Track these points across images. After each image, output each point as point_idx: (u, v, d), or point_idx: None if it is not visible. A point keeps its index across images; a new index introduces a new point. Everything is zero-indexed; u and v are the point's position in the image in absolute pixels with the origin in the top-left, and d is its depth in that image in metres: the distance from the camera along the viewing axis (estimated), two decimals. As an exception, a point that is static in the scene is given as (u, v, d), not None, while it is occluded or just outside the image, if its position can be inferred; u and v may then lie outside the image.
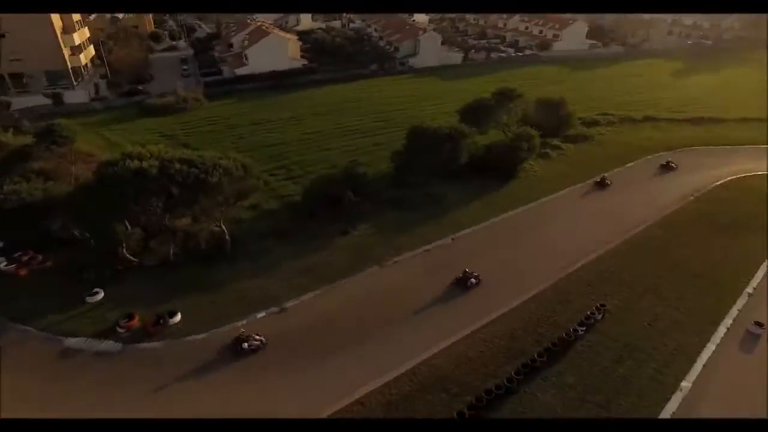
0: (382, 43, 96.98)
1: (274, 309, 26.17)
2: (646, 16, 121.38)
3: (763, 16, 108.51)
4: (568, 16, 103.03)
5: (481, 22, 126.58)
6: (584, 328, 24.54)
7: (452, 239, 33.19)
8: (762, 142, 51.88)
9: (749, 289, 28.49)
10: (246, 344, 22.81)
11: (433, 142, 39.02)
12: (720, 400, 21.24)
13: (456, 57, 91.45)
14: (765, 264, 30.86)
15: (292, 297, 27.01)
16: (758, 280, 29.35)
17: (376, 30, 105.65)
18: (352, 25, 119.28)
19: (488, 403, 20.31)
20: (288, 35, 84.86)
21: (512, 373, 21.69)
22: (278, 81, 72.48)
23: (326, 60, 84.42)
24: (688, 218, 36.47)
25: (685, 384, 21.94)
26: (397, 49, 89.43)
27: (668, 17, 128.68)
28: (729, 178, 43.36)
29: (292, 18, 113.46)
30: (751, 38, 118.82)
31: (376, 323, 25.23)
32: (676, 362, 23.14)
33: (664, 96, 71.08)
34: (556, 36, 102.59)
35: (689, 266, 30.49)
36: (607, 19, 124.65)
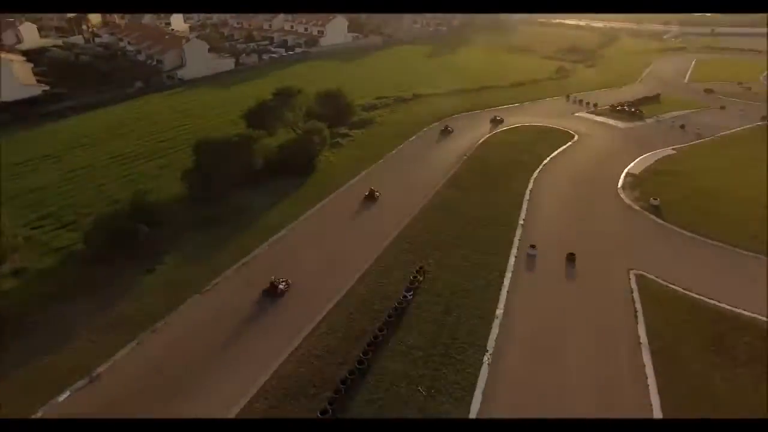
0: (141, 57, 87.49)
1: (81, 383, 21.54)
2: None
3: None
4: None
5: (246, 25, 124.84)
6: (411, 293, 26.72)
7: (268, 245, 32.24)
8: (510, 102, 64.11)
9: (521, 221, 34.87)
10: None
11: (223, 152, 37.21)
12: (526, 315, 25.54)
13: (227, 63, 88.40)
14: (526, 197, 38.21)
15: (103, 360, 22.65)
16: (524, 213, 36.12)
17: (130, 43, 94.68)
18: (99, 39, 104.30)
19: (346, 392, 20.54)
20: (11, 56, 69.40)
21: (361, 355, 22.36)
22: (15, 113, 59.14)
23: (75, 82, 71.85)
24: (466, 174, 42.64)
25: (499, 311, 25.77)
26: (160, 62, 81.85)
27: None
28: (485, 137, 52.17)
29: (8, 34, 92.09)
30: (473, 23, 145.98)
31: (212, 355, 23.02)
32: (488, 295, 26.93)
33: (423, 75, 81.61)
34: (320, 32, 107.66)
35: (476, 214, 35.63)
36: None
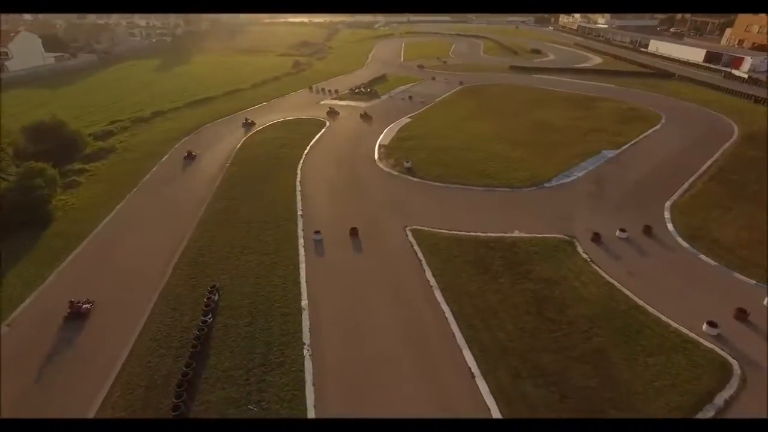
0: None
1: None
2: (101, 21, 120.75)
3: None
4: (8, 28, 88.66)
5: None
6: (210, 315, 24.70)
7: (7, 326, 25.21)
8: (258, 102, 63.46)
9: (299, 212, 35.60)
10: None
11: None
12: (330, 298, 26.40)
13: None
14: (298, 189, 39.15)
15: None
16: (300, 204, 36.99)
17: None
18: None
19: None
20: None
21: (174, 401, 19.70)
22: None
23: None
24: (232, 181, 41.10)
25: (304, 302, 26.00)
26: None
27: (122, 19, 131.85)
28: (243, 140, 51.18)
29: None
30: (198, 30, 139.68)
31: None
32: (289, 291, 26.80)
33: (159, 90, 74.78)
34: (4, 54, 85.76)
35: (254, 218, 34.86)
36: (61, 28, 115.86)
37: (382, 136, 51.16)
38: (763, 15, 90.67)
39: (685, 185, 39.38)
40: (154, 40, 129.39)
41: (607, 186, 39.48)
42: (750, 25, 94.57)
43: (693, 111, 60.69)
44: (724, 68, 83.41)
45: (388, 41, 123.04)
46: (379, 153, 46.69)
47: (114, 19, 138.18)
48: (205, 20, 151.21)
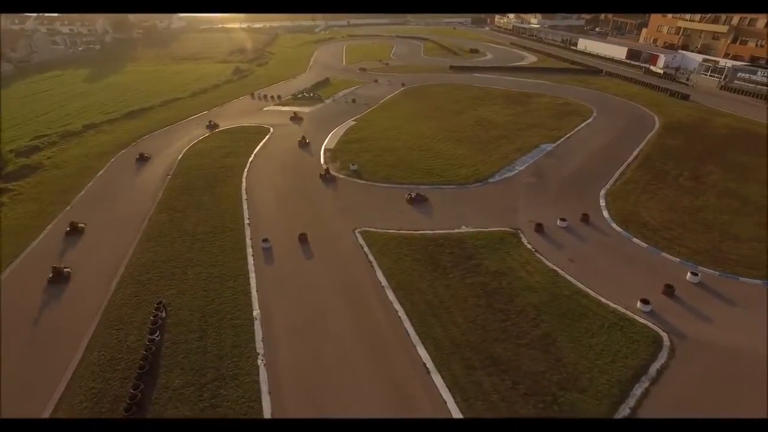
0: None
1: None
2: (16, 27, 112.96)
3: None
4: None
5: None
6: (157, 333, 23.73)
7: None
8: (198, 111, 61.48)
9: (246, 221, 34.88)
10: None
11: None
12: (281, 305, 26.07)
13: None
14: (244, 197, 38.36)
15: None
16: (247, 212, 36.29)
17: None
18: None
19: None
20: None
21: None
22: None
23: None
24: (176, 193, 39.64)
25: (255, 311, 25.52)
26: None
27: (41, 25, 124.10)
28: (184, 150, 49.44)
29: None
30: (130, 39, 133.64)
31: None
32: (240, 301, 26.22)
33: (90, 102, 70.78)
34: None
35: (200, 229, 33.85)
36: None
37: (327, 140, 51.04)
38: (670, 17, 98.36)
39: (617, 173, 42.02)
40: (80, 49, 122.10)
41: (547, 178, 41.42)
42: (661, 26, 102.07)
43: (620, 104, 64.76)
44: (643, 64, 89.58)
45: (329, 45, 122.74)
46: (324, 157, 46.53)
47: (30, 24, 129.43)
48: (137, 27, 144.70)
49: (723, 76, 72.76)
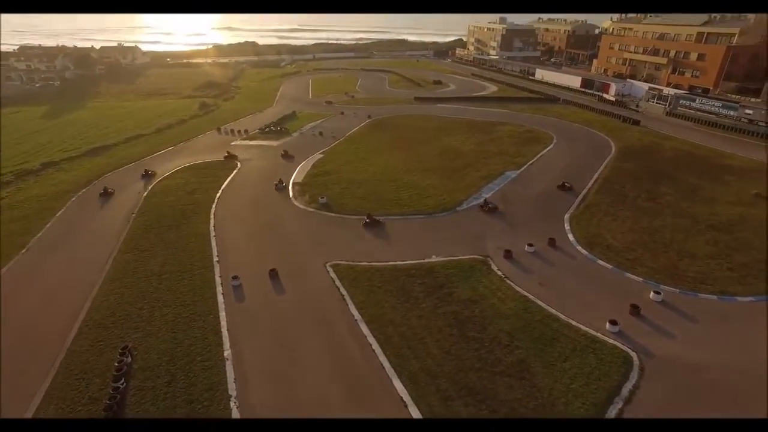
0: None
1: None
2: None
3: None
4: None
5: None
6: (122, 380, 22.69)
7: None
8: (163, 147, 60.60)
9: (215, 258, 34.26)
10: None
11: None
12: (253, 344, 25.47)
13: None
14: (213, 234, 37.74)
15: None
16: (215, 249, 35.70)
17: None
18: None
19: None
20: None
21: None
22: None
23: None
24: (140, 232, 38.59)
25: (227, 352, 24.82)
26: None
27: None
28: (150, 187, 48.44)
29: None
30: (93, 75, 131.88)
31: None
32: (210, 342, 25.49)
33: (48, 139, 68.83)
34: None
35: (166, 269, 32.98)
36: None
37: (296, 173, 51.08)
38: (617, 49, 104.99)
39: (579, 197, 43.64)
40: (37, 85, 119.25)
41: (514, 204, 42.56)
42: (610, 57, 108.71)
43: (577, 130, 67.77)
44: (597, 92, 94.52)
45: (295, 78, 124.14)
46: (293, 190, 46.46)
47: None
48: (100, 63, 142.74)
49: (668, 103, 77.49)
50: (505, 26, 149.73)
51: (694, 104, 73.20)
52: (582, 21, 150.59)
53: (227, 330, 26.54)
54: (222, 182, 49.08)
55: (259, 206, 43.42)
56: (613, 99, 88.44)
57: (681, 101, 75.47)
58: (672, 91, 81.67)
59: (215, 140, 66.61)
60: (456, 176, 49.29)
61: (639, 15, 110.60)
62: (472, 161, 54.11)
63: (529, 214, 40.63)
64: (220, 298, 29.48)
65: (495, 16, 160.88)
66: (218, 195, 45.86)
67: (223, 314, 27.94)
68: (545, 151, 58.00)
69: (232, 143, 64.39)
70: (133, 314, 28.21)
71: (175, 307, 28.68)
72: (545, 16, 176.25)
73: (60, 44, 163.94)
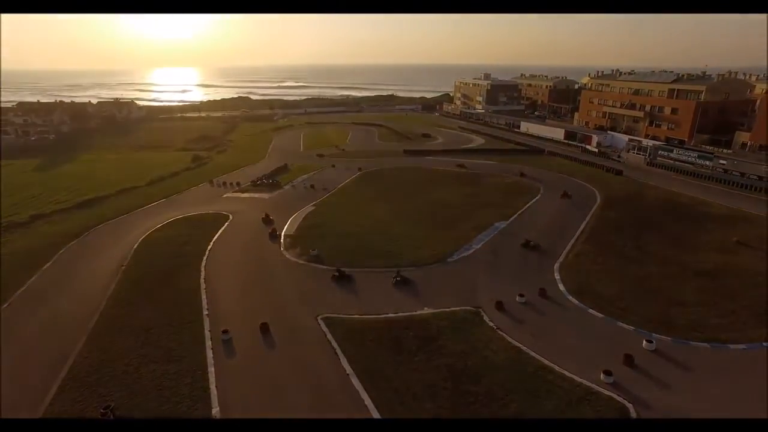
0: None
1: None
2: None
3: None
4: None
5: None
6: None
7: None
8: (155, 199, 60.98)
9: (205, 312, 33.80)
10: None
11: None
12: (243, 401, 24.75)
13: None
14: (203, 287, 37.40)
15: None
16: (206, 303, 35.30)
17: None
18: None
19: None
20: None
21: None
22: None
23: None
24: (128, 286, 38.13)
25: (215, 410, 24.06)
26: None
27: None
28: (140, 240, 48.33)
29: None
30: (87, 128, 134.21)
31: None
32: (197, 398, 24.76)
33: (40, 191, 68.96)
34: None
35: (155, 323, 32.40)
36: None
37: (287, 226, 51.39)
38: (596, 104, 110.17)
39: (568, 247, 44.29)
40: (33, 138, 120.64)
41: (504, 255, 43.00)
42: (590, 110, 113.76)
43: (563, 180, 69.62)
44: (580, 144, 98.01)
45: (287, 132, 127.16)
46: (284, 243, 46.58)
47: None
48: (96, 117, 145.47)
49: (648, 154, 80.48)
50: (490, 82, 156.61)
51: (672, 155, 76.12)
52: (562, 77, 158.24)
53: (216, 387, 25.85)
54: (214, 234, 49.10)
55: (250, 259, 43.33)
56: (596, 150, 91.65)
57: (660, 152, 78.44)
58: (651, 142, 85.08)
59: (208, 192, 67.27)
60: (447, 227, 49.91)
61: (614, 71, 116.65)
62: (461, 213, 54.94)
63: (520, 265, 41.03)
64: (209, 354, 28.86)
65: (480, 73, 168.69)
66: (209, 247, 45.80)
67: (212, 370, 27.29)
68: (533, 201, 59.26)
69: (224, 195, 65.05)
70: (118, 371, 27.44)
71: (163, 363, 27.99)
72: (527, 72, 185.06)
73: (58, 99, 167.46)
